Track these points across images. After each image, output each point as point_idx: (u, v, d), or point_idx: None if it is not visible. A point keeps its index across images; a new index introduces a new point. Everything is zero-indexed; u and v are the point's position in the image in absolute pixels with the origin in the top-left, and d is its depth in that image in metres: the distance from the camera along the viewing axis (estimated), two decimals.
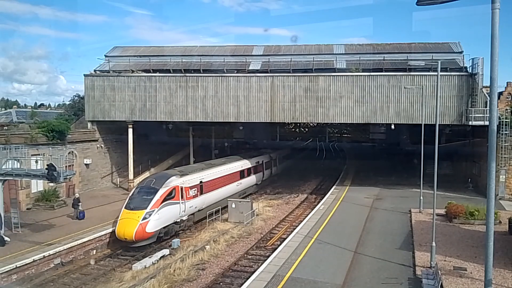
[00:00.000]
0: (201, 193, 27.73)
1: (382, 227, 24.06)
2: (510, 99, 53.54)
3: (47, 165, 20.13)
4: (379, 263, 18.03)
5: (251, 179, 37.56)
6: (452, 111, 31.35)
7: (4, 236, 20.82)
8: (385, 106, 32.27)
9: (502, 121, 29.32)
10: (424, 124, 26.45)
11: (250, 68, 35.61)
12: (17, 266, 18.14)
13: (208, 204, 28.82)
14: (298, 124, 66.56)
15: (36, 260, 19.03)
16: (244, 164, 36.12)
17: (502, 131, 29.11)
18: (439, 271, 15.31)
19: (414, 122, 31.90)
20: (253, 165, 37.88)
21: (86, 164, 34.76)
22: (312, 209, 29.31)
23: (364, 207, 29.25)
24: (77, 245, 21.44)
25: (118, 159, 38.66)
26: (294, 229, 24.20)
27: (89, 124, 36.47)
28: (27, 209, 28.09)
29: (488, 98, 29.48)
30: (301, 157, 58.45)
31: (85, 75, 36.72)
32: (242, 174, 35.06)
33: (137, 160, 38.09)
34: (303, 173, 48.64)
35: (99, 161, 36.70)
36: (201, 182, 27.92)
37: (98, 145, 36.55)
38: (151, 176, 29.17)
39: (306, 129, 74.15)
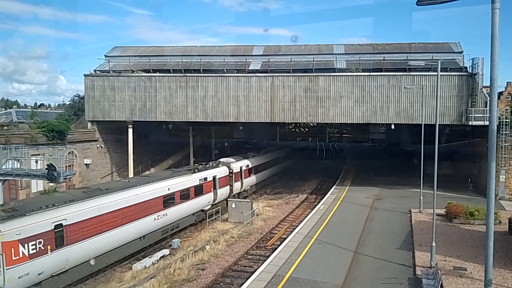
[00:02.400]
0: (60, 246, 16.73)
1: (382, 227, 24.07)
2: (510, 99, 53.53)
3: (47, 165, 20.11)
4: (379, 263, 18.03)
5: (190, 206, 26.84)
6: (452, 111, 31.36)
7: None
8: (385, 106, 32.27)
9: (502, 121, 29.33)
10: (424, 124, 26.46)
11: (250, 68, 35.62)
12: None
13: (83, 260, 18.07)
14: (298, 124, 66.53)
15: None
16: (175, 184, 25.25)
17: (502, 131, 29.13)
18: (439, 271, 15.31)
19: (414, 122, 31.92)
20: (195, 185, 27.30)
21: (86, 164, 34.74)
22: (312, 209, 29.31)
23: (364, 207, 29.25)
24: None
25: (118, 159, 38.65)
26: (294, 229, 24.20)
27: (89, 124, 36.48)
28: None
29: (488, 98, 29.47)
30: (300, 157, 57.96)
31: (85, 75, 36.74)
32: (169, 200, 24.35)
33: (137, 160, 38.08)
34: (303, 173, 48.66)
35: (99, 161, 36.68)
36: (58, 226, 16.70)
37: (98, 145, 36.53)
38: None
39: (306, 129, 74.14)
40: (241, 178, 34.74)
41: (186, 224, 26.70)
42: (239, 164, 34.90)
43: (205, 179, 28.82)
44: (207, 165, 31.63)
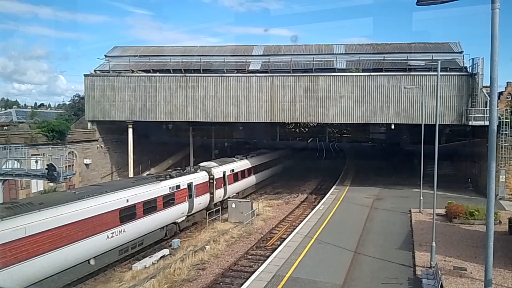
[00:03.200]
0: None
1: (382, 227, 24.05)
2: (510, 99, 53.53)
3: (47, 165, 20.13)
4: (379, 263, 18.03)
5: (158, 219, 23.35)
6: (452, 111, 31.37)
7: None
8: (385, 106, 32.28)
9: (502, 121, 29.32)
10: (424, 124, 26.45)
11: (250, 68, 35.65)
12: None
13: None
14: (298, 124, 66.60)
15: None
16: (136, 194, 21.66)
17: (502, 131, 29.11)
18: (439, 271, 15.31)
19: (414, 122, 31.95)
20: (164, 194, 23.88)
21: (86, 164, 34.74)
22: (312, 209, 29.29)
23: (364, 207, 29.24)
24: None
25: (118, 159, 38.64)
26: (294, 229, 24.19)
27: (89, 124, 36.49)
28: None
29: (488, 98, 29.47)
30: (299, 157, 57.96)
31: (85, 75, 36.75)
32: (128, 214, 20.83)
33: (137, 160, 38.09)
34: (303, 173, 48.67)
35: (99, 161, 36.68)
36: None
37: (98, 145, 36.54)
38: None
39: (306, 129, 74.23)
40: (225, 184, 31.59)
41: (152, 240, 23.35)
42: (222, 169, 31.70)
43: (178, 187, 25.33)
44: (184, 171, 28.41)
